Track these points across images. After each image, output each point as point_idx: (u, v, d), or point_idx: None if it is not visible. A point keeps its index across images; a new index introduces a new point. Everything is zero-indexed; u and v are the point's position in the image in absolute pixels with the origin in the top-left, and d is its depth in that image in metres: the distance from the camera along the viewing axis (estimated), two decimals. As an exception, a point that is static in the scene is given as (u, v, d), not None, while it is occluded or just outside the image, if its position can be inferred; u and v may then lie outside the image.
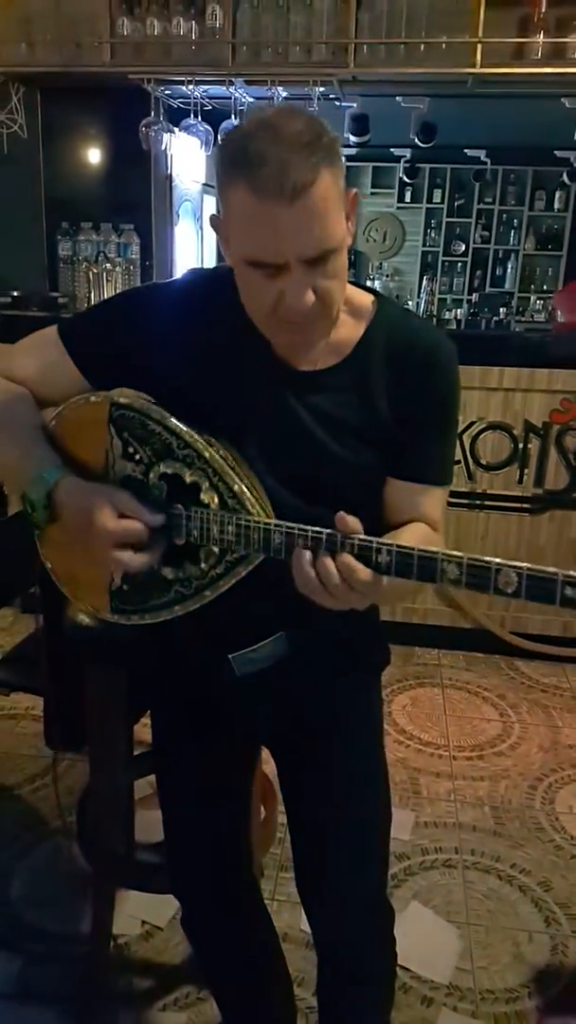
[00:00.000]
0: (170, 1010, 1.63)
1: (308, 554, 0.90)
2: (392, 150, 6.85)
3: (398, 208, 7.75)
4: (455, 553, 0.84)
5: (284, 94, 3.54)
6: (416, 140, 4.72)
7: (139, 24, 3.45)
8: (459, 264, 7.70)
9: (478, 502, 3.01)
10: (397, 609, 3.00)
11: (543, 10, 3.15)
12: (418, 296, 7.15)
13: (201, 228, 5.02)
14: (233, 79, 3.49)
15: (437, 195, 7.61)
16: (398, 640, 3.05)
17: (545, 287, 7.46)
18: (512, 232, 7.55)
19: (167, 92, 3.70)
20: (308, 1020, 1.54)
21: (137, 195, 4.11)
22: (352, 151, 5.44)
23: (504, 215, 7.53)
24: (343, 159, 0.92)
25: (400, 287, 7.74)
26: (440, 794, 2.32)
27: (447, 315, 7.13)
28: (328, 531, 0.89)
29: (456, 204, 7.59)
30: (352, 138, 4.52)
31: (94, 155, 4.13)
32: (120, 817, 1.54)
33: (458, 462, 2.96)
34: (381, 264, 7.83)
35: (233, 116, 3.60)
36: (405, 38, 3.26)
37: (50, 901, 1.88)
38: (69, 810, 1.98)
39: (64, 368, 1.08)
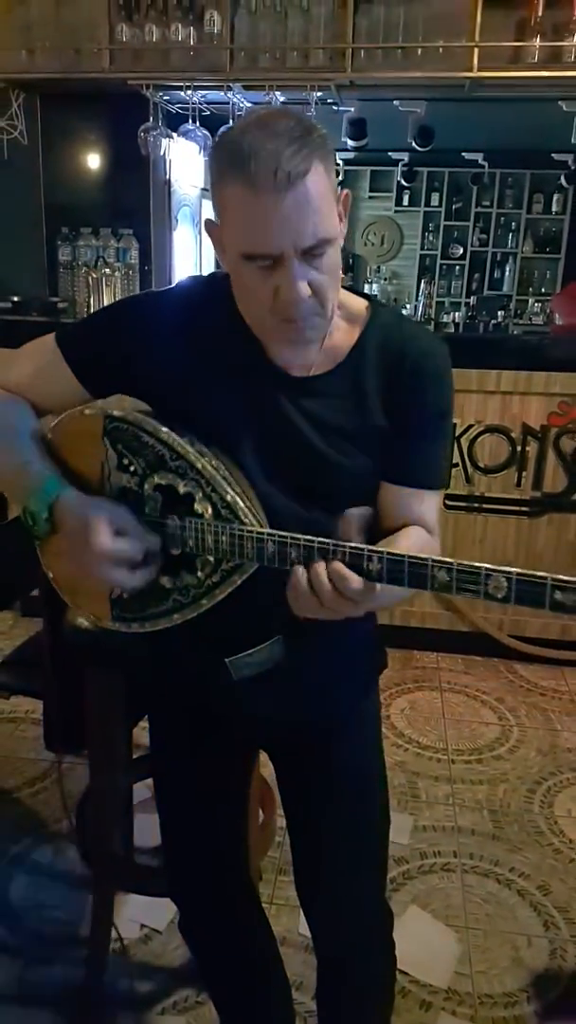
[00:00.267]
0: (169, 1013, 1.64)
1: (302, 570, 0.90)
2: (390, 154, 6.88)
3: (396, 212, 7.75)
4: (445, 560, 0.84)
5: (282, 99, 3.56)
6: (414, 144, 4.75)
7: (138, 30, 3.48)
8: (457, 267, 7.70)
9: (476, 505, 3.01)
10: (395, 612, 3.00)
11: (540, 14, 3.17)
12: (416, 299, 7.18)
13: (199, 233, 5.04)
14: (231, 84, 3.51)
15: (435, 198, 7.62)
16: (396, 643, 3.06)
17: (543, 290, 7.45)
18: (510, 235, 7.55)
19: (166, 98, 3.72)
20: (307, 1024, 1.54)
21: (136, 200, 4.13)
22: (350, 155, 5.45)
23: (502, 218, 7.53)
24: (335, 154, 0.93)
25: (398, 290, 7.75)
26: (439, 798, 2.32)
27: (445, 318, 7.15)
28: (319, 540, 0.90)
29: (454, 207, 7.60)
30: (350, 142, 4.51)
31: (93, 160, 4.14)
32: (119, 820, 1.54)
33: (456, 465, 2.96)
34: (379, 267, 7.83)
35: (231, 121, 3.60)
36: (402, 42, 3.27)
37: (49, 904, 1.88)
38: (70, 813, 1.98)
39: (62, 376, 1.08)
